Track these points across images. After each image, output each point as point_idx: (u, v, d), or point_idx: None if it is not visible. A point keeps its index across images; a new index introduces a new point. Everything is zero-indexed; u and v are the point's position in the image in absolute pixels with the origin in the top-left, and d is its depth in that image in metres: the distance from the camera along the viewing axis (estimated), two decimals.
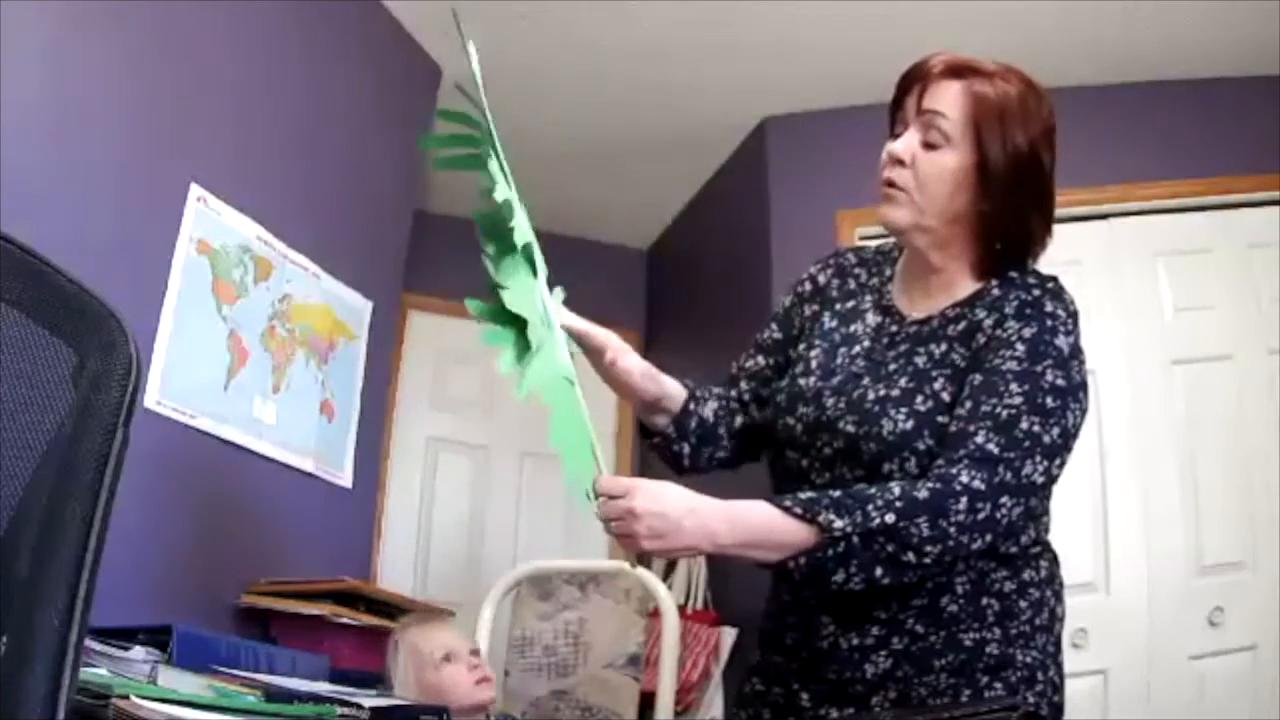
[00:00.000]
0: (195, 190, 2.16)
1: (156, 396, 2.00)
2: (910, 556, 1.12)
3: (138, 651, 1.44)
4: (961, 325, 1.27)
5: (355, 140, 2.75)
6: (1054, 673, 1.24)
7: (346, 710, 1.39)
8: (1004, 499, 1.14)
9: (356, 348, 2.69)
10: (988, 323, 1.25)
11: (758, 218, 3.32)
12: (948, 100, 1.25)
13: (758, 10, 2.83)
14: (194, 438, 2.10)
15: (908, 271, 1.38)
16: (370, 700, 1.48)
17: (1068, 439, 1.19)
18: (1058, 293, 1.27)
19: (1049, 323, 1.22)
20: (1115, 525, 2.74)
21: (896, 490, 1.14)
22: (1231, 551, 2.67)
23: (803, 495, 1.16)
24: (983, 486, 1.13)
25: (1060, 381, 1.19)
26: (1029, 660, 1.21)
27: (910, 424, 1.22)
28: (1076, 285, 3.26)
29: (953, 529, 1.12)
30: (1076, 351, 1.23)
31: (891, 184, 1.28)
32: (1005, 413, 1.17)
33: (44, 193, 1.79)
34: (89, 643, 1.37)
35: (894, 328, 1.34)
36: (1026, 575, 1.24)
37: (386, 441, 3.33)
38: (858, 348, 1.34)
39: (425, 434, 3.81)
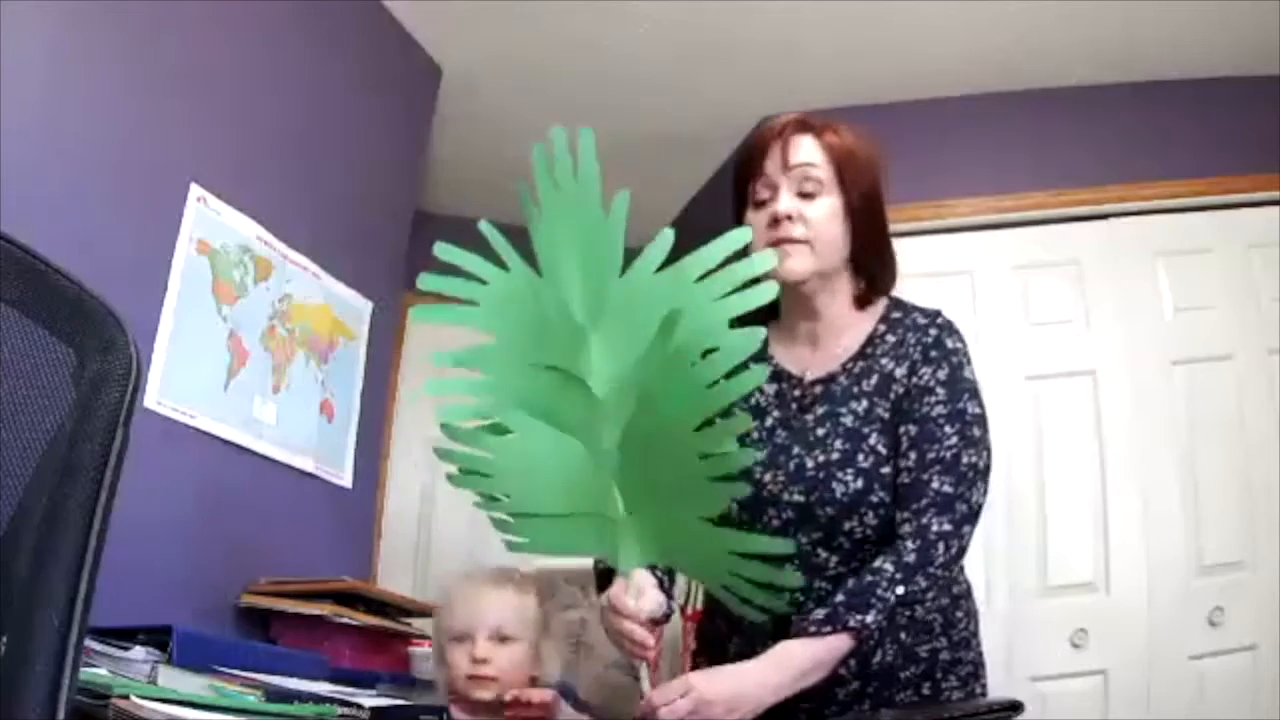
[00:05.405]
0: (195, 190, 2.16)
1: (156, 396, 2.00)
2: (919, 610, 1.29)
3: (138, 651, 1.43)
4: (874, 379, 1.36)
5: (355, 140, 2.75)
6: (985, 670, 1.40)
7: (346, 710, 1.39)
8: (966, 528, 1.28)
9: (356, 348, 2.69)
10: (899, 372, 1.35)
11: None
12: (809, 151, 1.35)
13: (758, 10, 2.83)
14: (194, 438, 2.10)
15: (786, 330, 1.42)
16: (370, 700, 1.49)
17: (991, 457, 1.33)
18: (949, 326, 1.38)
19: (955, 359, 1.35)
20: (1115, 525, 2.74)
21: (889, 565, 1.24)
22: (1231, 551, 2.67)
23: (814, 615, 1.22)
24: (950, 526, 1.26)
25: (977, 410, 1.33)
26: (972, 659, 1.38)
27: (860, 482, 1.31)
28: (1076, 285, 3.26)
29: (939, 570, 1.26)
30: (975, 377, 1.37)
31: (787, 240, 1.33)
32: (948, 454, 1.29)
33: (44, 193, 1.78)
34: (89, 643, 1.37)
35: (796, 391, 1.39)
36: (955, 590, 1.38)
37: (386, 441, 3.32)
38: (770, 419, 1.38)
39: (425, 434, 3.79)
